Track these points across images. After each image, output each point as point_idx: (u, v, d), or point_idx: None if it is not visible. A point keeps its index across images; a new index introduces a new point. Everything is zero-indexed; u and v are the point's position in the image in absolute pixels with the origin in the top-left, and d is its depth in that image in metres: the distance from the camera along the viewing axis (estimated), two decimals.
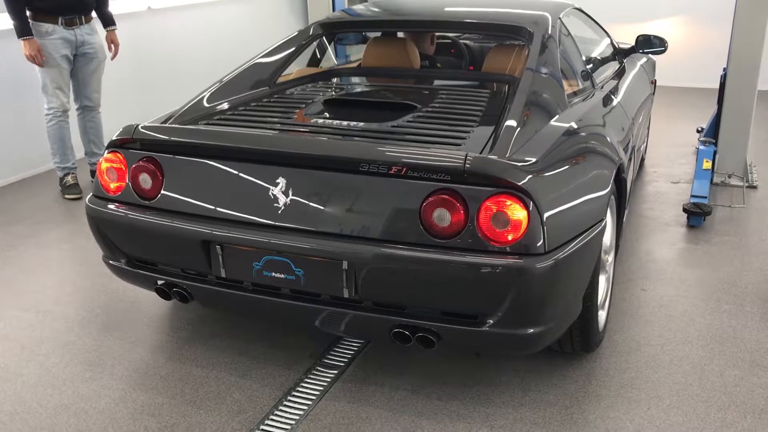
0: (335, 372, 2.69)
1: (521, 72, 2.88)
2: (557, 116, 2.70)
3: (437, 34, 4.28)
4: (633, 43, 4.29)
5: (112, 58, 4.87)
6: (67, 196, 4.73)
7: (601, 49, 4.13)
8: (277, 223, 2.32)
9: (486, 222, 2.11)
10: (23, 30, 4.34)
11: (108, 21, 4.82)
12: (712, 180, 4.61)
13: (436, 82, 3.58)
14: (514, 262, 2.09)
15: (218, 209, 2.40)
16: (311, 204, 2.28)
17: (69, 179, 4.77)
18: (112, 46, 4.84)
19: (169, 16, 6.51)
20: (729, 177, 4.75)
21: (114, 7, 4.90)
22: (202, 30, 6.89)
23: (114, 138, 2.60)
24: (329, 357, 2.78)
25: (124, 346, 2.91)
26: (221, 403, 2.52)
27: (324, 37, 3.72)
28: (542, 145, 2.40)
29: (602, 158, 2.68)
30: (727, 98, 4.63)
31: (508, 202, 2.09)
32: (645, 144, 4.99)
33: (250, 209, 2.36)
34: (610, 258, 2.87)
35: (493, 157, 2.22)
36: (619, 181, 2.84)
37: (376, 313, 2.30)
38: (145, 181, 2.50)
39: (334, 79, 3.62)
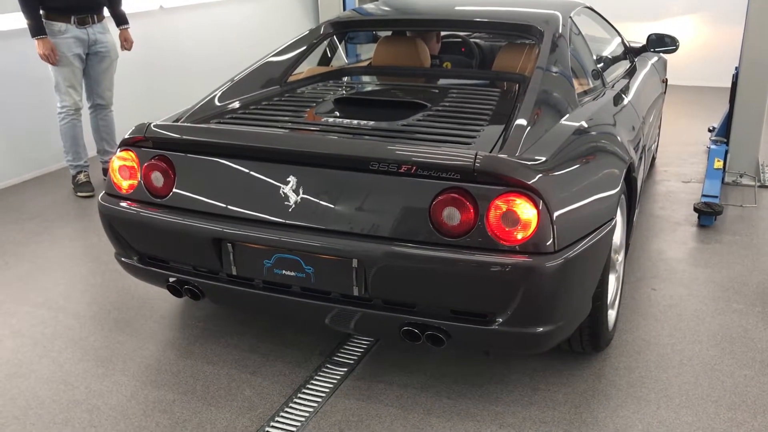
0: (345, 369, 2.70)
1: (532, 71, 2.88)
2: (567, 115, 2.70)
3: (448, 33, 4.28)
4: (644, 42, 4.28)
5: (129, 49, 4.91)
6: (79, 194, 4.76)
7: (611, 48, 4.12)
8: (287, 221, 2.33)
9: (496, 221, 2.11)
10: (37, 29, 4.37)
11: (121, 20, 4.85)
12: (723, 179, 4.59)
13: (447, 81, 3.58)
14: (524, 261, 2.10)
15: (229, 207, 2.42)
16: (321, 202, 2.29)
17: (81, 177, 4.81)
18: (126, 43, 4.88)
19: (181, 15, 6.54)
20: (740, 176, 4.73)
21: (126, 6, 4.92)
22: (213, 29, 6.91)
23: (126, 136, 2.62)
24: (339, 355, 2.79)
25: (135, 342, 2.93)
26: (232, 400, 2.54)
27: (335, 36, 3.73)
28: (552, 144, 2.40)
29: (613, 157, 2.67)
30: (739, 97, 4.61)
31: (518, 201, 2.10)
32: (656, 143, 4.97)
33: (260, 207, 2.37)
34: (620, 257, 2.87)
35: (503, 156, 2.22)
36: (630, 181, 2.83)
37: (386, 312, 2.31)
38: (157, 179, 2.52)
39: (345, 78, 3.63)
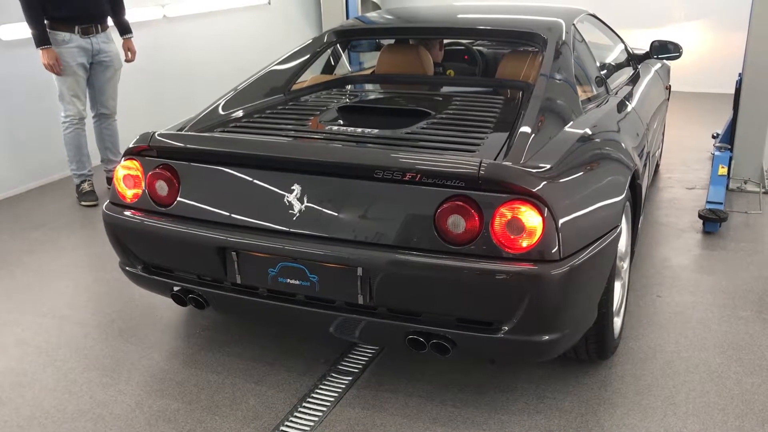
0: (349, 378, 2.69)
1: (535, 78, 2.88)
2: (571, 122, 2.70)
3: (451, 41, 4.29)
4: (647, 49, 4.28)
5: (133, 59, 4.93)
6: (83, 203, 4.77)
7: (615, 55, 4.12)
8: (292, 230, 2.33)
9: (501, 228, 2.11)
10: (41, 39, 4.39)
11: (125, 29, 4.87)
12: (727, 186, 4.58)
13: (450, 89, 3.58)
14: (529, 268, 2.09)
15: (234, 216, 2.42)
16: (326, 211, 2.29)
17: (85, 186, 4.82)
18: (129, 53, 4.90)
19: (185, 25, 6.56)
20: (745, 183, 4.72)
21: (130, 15, 4.95)
22: (217, 38, 6.93)
23: (131, 145, 2.62)
24: (344, 363, 2.78)
25: (140, 351, 2.93)
26: (236, 409, 2.53)
27: (338, 45, 3.74)
28: (557, 152, 2.39)
29: (617, 164, 2.67)
30: (743, 103, 4.61)
31: (523, 209, 2.09)
32: (660, 150, 4.97)
33: (265, 216, 2.37)
34: (626, 264, 2.86)
35: (507, 163, 2.22)
36: (634, 188, 2.83)
37: (391, 320, 2.30)
38: (162, 188, 2.52)
39: (348, 86, 3.63)
